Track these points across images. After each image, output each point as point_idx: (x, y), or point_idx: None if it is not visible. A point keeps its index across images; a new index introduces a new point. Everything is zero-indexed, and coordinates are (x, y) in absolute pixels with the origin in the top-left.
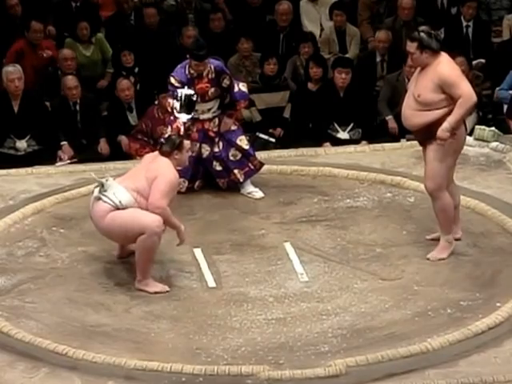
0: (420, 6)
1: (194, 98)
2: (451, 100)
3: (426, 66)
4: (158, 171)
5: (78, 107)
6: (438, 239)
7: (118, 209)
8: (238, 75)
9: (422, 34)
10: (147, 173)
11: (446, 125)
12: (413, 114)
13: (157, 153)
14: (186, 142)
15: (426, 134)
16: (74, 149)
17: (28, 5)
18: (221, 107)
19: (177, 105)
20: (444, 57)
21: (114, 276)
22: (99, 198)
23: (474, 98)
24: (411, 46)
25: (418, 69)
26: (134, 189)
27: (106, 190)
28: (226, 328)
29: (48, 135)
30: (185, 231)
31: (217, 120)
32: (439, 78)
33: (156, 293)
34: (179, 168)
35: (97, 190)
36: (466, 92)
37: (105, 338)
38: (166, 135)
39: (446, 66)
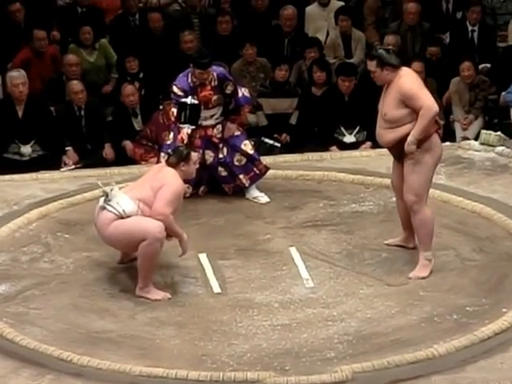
0: (425, 10)
1: (199, 108)
2: (415, 114)
3: (390, 82)
4: (163, 181)
5: (82, 112)
6: (397, 245)
7: (122, 218)
8: (241, 80)
9: (381, 51)
10: (153, 182)
11: (410, 138)
12: (383, 133)
13: (164, 163)
14: (194, 154)
15: (398, 150)
16: (79, 154)
17: (31, 10)
18: (224, 113)
19: (181, 115)
20: (405, 70)
21: (118, 282)
22: (104, 208)
23: (434, 108)
24: (371, 65)
25: (385, 87)
26: (140, 198)
27: (110, 200)
28: (232, 334)
29: (53, 140)
30: (188, 240)
31: (220, 126)
32: (400, 92)
33: (157, 300)
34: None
35: (102, 199)
36: (427, 103)
37: (110, 345)
38: (168, 142)
39: (405, 80)
